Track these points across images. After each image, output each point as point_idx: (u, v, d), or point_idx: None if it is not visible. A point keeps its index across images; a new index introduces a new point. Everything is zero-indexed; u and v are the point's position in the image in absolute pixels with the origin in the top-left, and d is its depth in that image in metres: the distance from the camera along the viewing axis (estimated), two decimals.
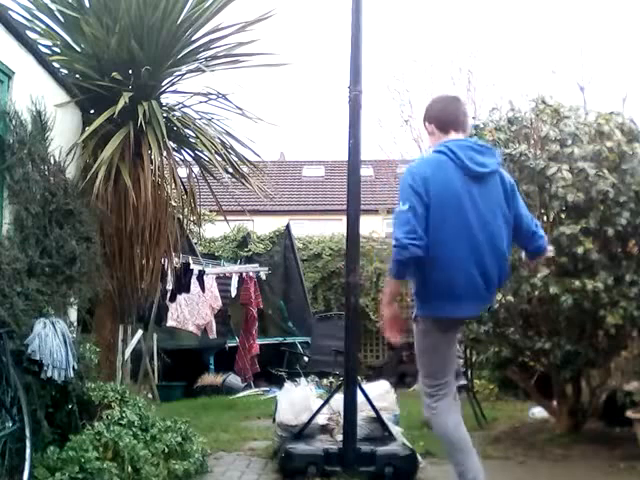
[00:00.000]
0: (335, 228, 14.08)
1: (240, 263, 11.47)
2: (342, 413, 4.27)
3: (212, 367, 9.79)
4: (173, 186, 5.49)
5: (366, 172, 18.21)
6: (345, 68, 4.39)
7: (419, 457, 4.30)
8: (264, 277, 10.60)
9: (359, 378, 4.57)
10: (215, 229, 11.73)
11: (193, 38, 5.54)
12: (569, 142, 4.85)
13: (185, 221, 5.81)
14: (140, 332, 7.28)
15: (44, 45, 5.28)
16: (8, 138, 3.95)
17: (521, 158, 4.81)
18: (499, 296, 4.65)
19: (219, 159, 5.48)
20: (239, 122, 6.39)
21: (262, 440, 5.31)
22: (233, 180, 5.79)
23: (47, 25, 5.37)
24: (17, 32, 4.13)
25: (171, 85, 5.71)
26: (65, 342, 3.67)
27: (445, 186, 2.94)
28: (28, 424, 3.30)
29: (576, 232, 4.54)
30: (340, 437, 4.25)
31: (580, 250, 4.52)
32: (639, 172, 4.60)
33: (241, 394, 9.03)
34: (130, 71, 5.23)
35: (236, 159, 5.69)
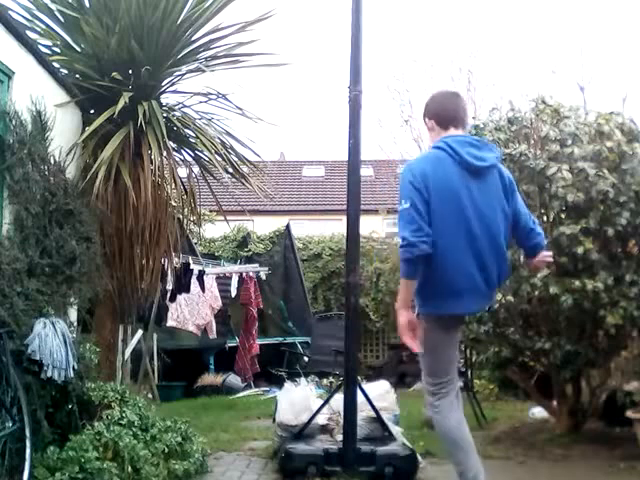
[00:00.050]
0: (335, 228, 14.09)
1: (240, 263, 11.47)
2: (342, 413, 4.27)
3: (212, 367, 9.80)
4: (173, 186, 5.49)
5: (366, 172, 18.22)
6: (345, 68, 4.40)
7: (419, 457, 4.30)
8: (264, 277, 10.61)
9: (359, 378, 4.57)
10: (215, 229, 11.74)
11: (193, 38, 5.54)
12: (569, 142, 4.85)
13: (185, 221, 5.81)
14: (140, 332, 7.29)
15: (44, 45, 5.28)
16: (8, 138, 3.95)
17: (521, 158, 4.81)
18: (499, 296, 4.65)
19: (219, 159, 5.48)
20: (239, 122, 6.41)
21: (262, 440, 5.31)
22: (233, 180, 5.79)
23: (47, 25, 5.37)
24: (17, 32, 4.13)
25: (171, 85, 5.71)
26: (65, 342, 3.67)
27: (444, 182, 2.94)
28: (28, 424, 3.30)
29: (576, 232, 4.54)
30: (340, 437, 4.25)
31: (580, 250, 4.52)
32: (639, 172, 4.60)
33: (241, 394, 9.03)
34: (130, 71, 5.23)
35: (236, 159, 5.70)
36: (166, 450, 3.86)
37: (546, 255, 3.29)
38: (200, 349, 9.80)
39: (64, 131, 4.67)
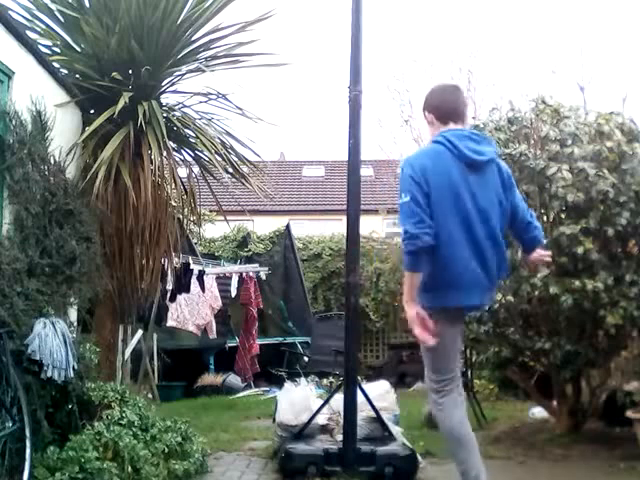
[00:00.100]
0: (335, 228, 14.08)
1: (240, 263, 11.47)
2: (342, 413, 4.26)
3: (212, 367, 9.80)
4: (173, 186, 5.50)
5: (366, 172, 18.20)
6: (345, 68, 4.40)
7: (419, 457, 4.30)
8: (264, 277, 10.60)
9: (359, 378, 4.57)
10: (215, 229, 11.73)
11: (193, 38, 5.55)
12: (569, 142, 4.85)
13: (185, 221, 5.82)
14: (140, 332, 7.29)
15: (44, 45, 5.28)
16: (8, 138, 3.95)
17: (521, 158, 4.81)
18: (499, 296, 4.65)
19: (219, 159, 5.49)
20: (239, 122, 6.40)
21: (262, 440, 5.31)
22: (233, 180, 5.79)
23: (47, 25, 5.37)
24: (17, 32, 4.13)
25: (171, 85, 5.72)
26: (65, 342, 3.68)
27: (443, 176, 2.95)
28: (28, 424, 3.30)
29: (576, 232, 4.54)
30: (340, 437, 4.25)
31: (580, 250, 4.52)
32: (639, 172, 4.60)
33: (241, 394, 9.03)
34: (130, 71, 5.23)
35: (236, 159, 5.70)
36: (166, 450, 3.86)
37: (544, 254, 3.29)
38: (200, 349, 9.80)
39: (64, 131, 4.67)
